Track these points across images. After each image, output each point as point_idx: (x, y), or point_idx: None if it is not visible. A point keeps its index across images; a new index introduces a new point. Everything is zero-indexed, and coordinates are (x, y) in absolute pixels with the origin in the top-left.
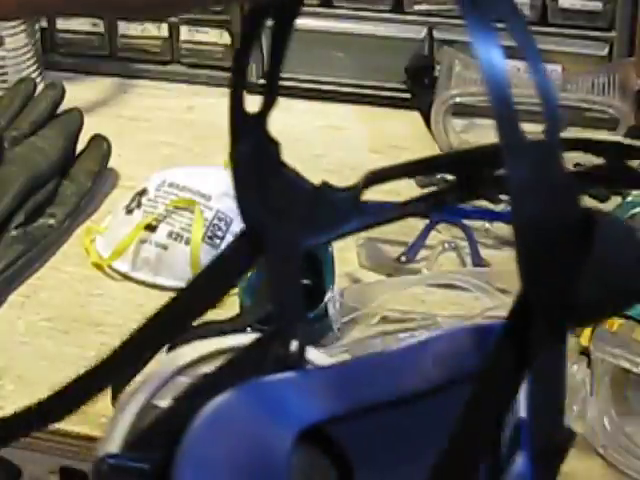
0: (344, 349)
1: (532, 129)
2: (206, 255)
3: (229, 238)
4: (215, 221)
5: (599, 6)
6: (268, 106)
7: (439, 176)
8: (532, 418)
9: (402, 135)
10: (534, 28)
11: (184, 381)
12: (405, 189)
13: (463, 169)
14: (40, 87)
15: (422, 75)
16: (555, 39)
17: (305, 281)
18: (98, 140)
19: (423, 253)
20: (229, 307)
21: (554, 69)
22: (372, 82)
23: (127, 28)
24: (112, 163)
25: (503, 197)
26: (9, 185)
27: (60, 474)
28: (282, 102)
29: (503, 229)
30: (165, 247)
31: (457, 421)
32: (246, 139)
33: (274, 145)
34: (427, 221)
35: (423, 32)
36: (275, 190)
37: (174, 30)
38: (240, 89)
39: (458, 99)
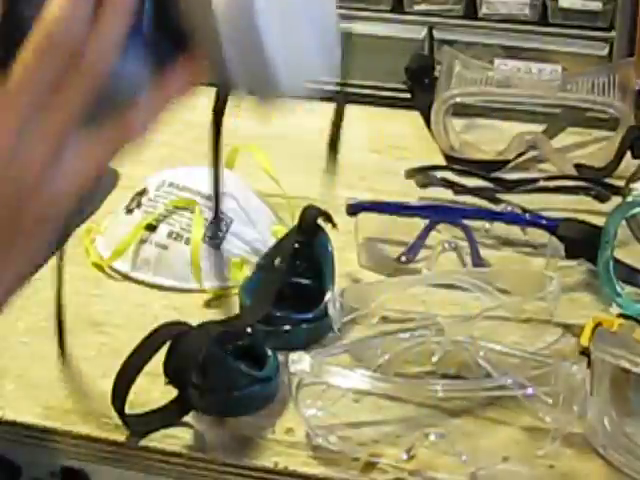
0: (344, 349)
1: (532, 129)
2: (206, 255)
3: (229, 238)
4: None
5: (599, 6)
6: None
7: (439, 176)
8: None
9: (402, 135)
10: (534, 28)
11: None
12: (406, 189)
13: None
14: None
15: (422, 75)
16: (555, 39)
17: (305, 281)
18: None
19: (423, 253)
20: (229, 307)
21: (554, 69)
22: (372, 82)
23: None
24: (112, 163)
25: (503, 197)
26: None
27: (60, 474)
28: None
29: (503, 229)
30: (165, 247)
31: None
32: None
33: None
34: (427, 221)
35: (423, 32)
36: None
37: None
38: None
39: (458, 99)
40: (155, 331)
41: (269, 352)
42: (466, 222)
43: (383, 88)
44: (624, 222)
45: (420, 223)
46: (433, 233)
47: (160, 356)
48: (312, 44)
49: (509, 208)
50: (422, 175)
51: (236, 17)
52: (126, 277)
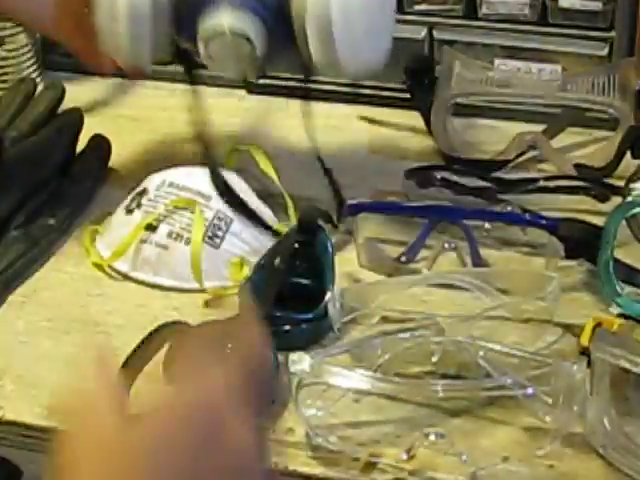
0: (344, 349)
1: (532, 129)
2: (206, 255)
3: (229, 238)
4: (215, 221)
5: (599, 6)
6: None
7: (439, 176)
8: None
9: (402, 135)
10: (534, 28)
11: None
12: (406, 189)
13: None
14: (40, 87)
15: (422, 75)
16: (555, 39)
17: (305, 281)
18: (98, 140)
19: (423, 253)
20: (229, 307)
21: (554, 69)
22: (372, 82)
23: None
24: (112, 163)
25: (503, 197)
26: (10, 185)
27: None
28: (282, 102)
29: (503, 229)
30: (165, 247)
31: None
32: None
33: None
34: (427, 221)
35: (423, 32)
36: None
37: None
38: None
39: (458, 99)
40: (155, 331)
41: None
42: (466, 222)
43: (383, 88)
44: (624, 222)
45: (420, 223)
46: (433, 233)
47: (160, 356)
48: (368, 45)
49: (509, 208)
50: (422, 175)
51: (319, 24)
52: (126, 277)
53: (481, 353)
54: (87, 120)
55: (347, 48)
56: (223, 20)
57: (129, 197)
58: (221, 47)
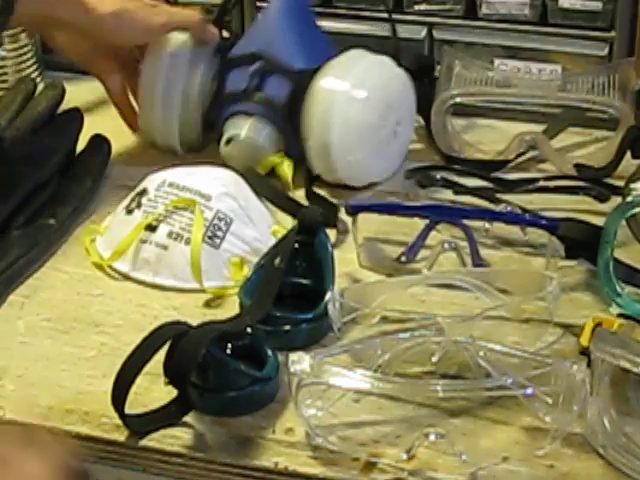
0: (344, 349)
1: (532, 129)
2: (206, 255)
3: (229, 238)
4: (215, 221)
5: (599, 6)
6: None
7: (439, 176)
8: None
9: None
10: (534, 28)
11: None
12: (406, 189)
13: None
14: (40, 87)
15: (422, 75)
16: (555, 39)
17: (305, 281)
18: (98, 140)
19: (423, 253)
20: (229, 307)
21: (554, 69)
22: None
23: None
24: (112, 163)
25: (503, 197)
26: (10, 185)
27: None
28: None
29: (503, 229)
30: (165, 247)
31: None
32: None
33: None
34: (427, 221)
35: (423, 32)
36: None
37: None
38: None
39: (458, 99)
40: (155, 331)
41: (269, 352)
42: (466, 222)
43: None
44: (624, 222)
45: (420, 223)
46: (433, 233)
47: (160, 356)
48: (369, 167)
49: (509, 208)
50: (422, 175)
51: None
52: (126, 277)
53: (481, 353)
54: (87, 120)
55: (348, 172)
56: (242, 128)
57: (129, 197)
58: (238, 149)
